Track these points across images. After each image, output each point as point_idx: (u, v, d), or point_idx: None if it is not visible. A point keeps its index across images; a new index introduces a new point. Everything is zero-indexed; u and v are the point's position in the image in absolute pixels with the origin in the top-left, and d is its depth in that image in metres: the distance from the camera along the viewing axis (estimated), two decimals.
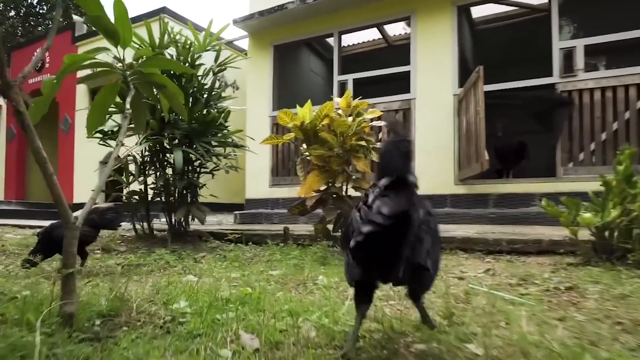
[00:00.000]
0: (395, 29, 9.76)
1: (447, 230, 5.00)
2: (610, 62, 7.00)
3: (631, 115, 5.71)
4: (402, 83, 7.26)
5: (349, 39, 10.11)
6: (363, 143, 4.07)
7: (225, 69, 5.31)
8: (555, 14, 6.23)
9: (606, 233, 3.32)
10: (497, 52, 8.91)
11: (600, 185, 3.42)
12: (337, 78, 7.85)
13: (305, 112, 4.07)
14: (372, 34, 10.03)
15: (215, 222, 7.65)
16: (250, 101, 8.62)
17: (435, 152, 6.76)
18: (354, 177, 4.14)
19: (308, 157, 4.15)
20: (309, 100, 4.15)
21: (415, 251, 1.40)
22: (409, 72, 7.18)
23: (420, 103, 7.01)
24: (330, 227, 4.25)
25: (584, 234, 3.45)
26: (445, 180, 6.62)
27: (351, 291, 2.41)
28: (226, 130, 5.28)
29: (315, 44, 10.02)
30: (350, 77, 7.72)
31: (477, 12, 8.46)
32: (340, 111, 4.20)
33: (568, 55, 6.12)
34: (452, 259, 3.87)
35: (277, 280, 2.75)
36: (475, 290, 2.39)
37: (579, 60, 5.99)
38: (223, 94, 5.43)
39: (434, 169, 6.73)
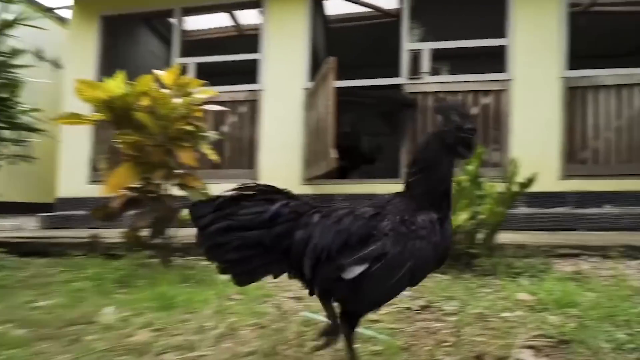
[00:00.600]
0: (249, 18, 9.11)
1: None
2: (453, 68, 7.31)
3: None
4: (252, 76, 6.63)
5: (197, 23, 9.16)
6: (191, 129, 3.31)
7: (13, 26, 4.05)
8: (406, 17, 6.21)
9: (454, 238, 3.09)
10: (351, 50, 8.81)
11: None
12: (176, 60, 6.88)
13: (116, 85, 3.15)
14: (224, 21, 9.23)
15: (12, 226, 6.09)
16: (71, 82, 7.12)
17: (283, 149, 6.27)
18: (178, 172, 3.35)
19: (120, 145, 3.23)
20: (122, 72, 3.24)
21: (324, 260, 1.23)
22: (259, 63, 6.57)
23: (269, 95, 6.45)
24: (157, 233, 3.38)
25: None
26: (291, 179, 6.15)
27: (139, 336, 1.66)
28: (14, 109, 4.04)
29: (157, 23, 8.83)
30: (192, 61, 6.82)
31: (333, 10, 8.30)
32: (167, 91, 3.38)
33: (416, 58, 6.14)
34: None
35: (36, 320, 1.86)
36: (314, 320, 1.83)
37: (425, 63, 6.04)
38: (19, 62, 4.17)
39: (280, 167, 6.23)
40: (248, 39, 8.46)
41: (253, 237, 1.25)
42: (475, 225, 2.99)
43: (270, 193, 1.34)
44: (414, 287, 2.46)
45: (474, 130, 1.37)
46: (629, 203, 5.31)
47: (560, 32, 5.76)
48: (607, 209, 5.30)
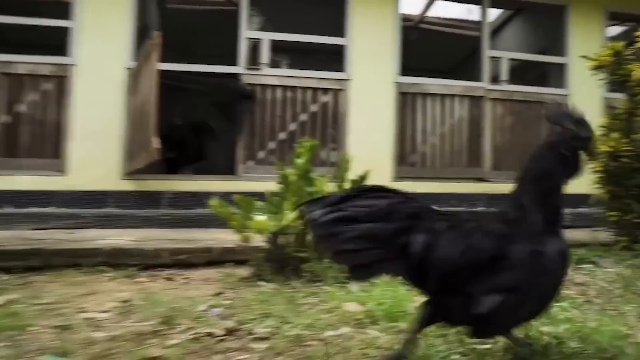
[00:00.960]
0: None
1: (94, 238, 3.70)
2: (294, 62, 7.11)
3: (308, 118, 5.72)
4: (62, 49, 5.49)
5: None
6: None
7: None
8: (246, 4, 5.77)
9: (282, 239, 2.74)
10: (189, 34, 8.07)
11: (279, 182, 2.84)
12: None
13: None
14: None
15: None
16: None
17: (99, 136, 5.29)
18: None
19: None
20: None
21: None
22: (70, 33, 5.46)
23: (82, 72, 5.39)
24: None
25: (261, 240, 2.81)
26: (109, 173, 5.24)
27: None
28: None
29: None
30: None
31: None
32: None
33: (255, 48, 5.74)
34: (86, 282, 2.63)
35: None
36: None
37: (265, 54, 5.68)
38: None
39: (95, 158, 5.24)
40: (60, 5, 7.15)
41: (367, 230, 1.21)
42: (304, 226, 2.67)
43: (384, 191, 1.32)
44: (227, 303, 2.03)
45: (590, 140, 1.29)
46: (450, 204, 5.65)
47: (394, 40, 5.92)
48: None
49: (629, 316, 1.81)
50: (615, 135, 3.62)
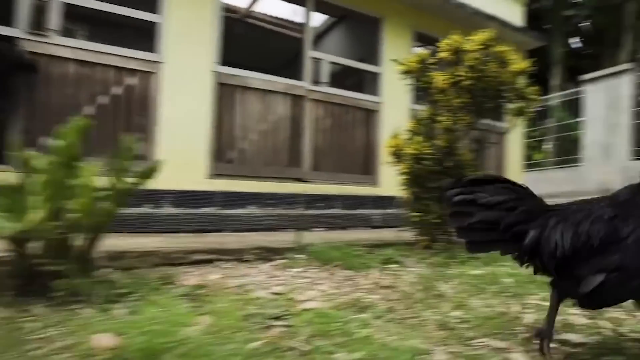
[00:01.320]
0: None
1: None
2: (94, 35, 6.06)
3: (109, 102, 4.88)
4: None
5: None
6: None
7: None
8: None
9: (34, 248, 2.05)
10: None
11: (21, 171, 2.13)
12: None
13: None
14: None
15: None
16: None
17: None
18: None
19: None
20: None
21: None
22: None
23: None
24: None
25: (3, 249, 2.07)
26: None
27: None
28: None
29: None
30: None
31: None
32: None
33: (41, 10, 4.65)
34: None
35: None
36: None
37: (54, 18, 4.64)
38: None
39: None
40: None
41: (489, 215, 1.43)
42: (65, 229, 2.03)
43: (510, 183, 1.52)
44: None
45: None
46: (269, 204, 5.42)
47: (213, 27, 5.45)
48: (250, 210, 5.26)
49: (428, 325, 1.68)
50: (418, 138, 3.76)
